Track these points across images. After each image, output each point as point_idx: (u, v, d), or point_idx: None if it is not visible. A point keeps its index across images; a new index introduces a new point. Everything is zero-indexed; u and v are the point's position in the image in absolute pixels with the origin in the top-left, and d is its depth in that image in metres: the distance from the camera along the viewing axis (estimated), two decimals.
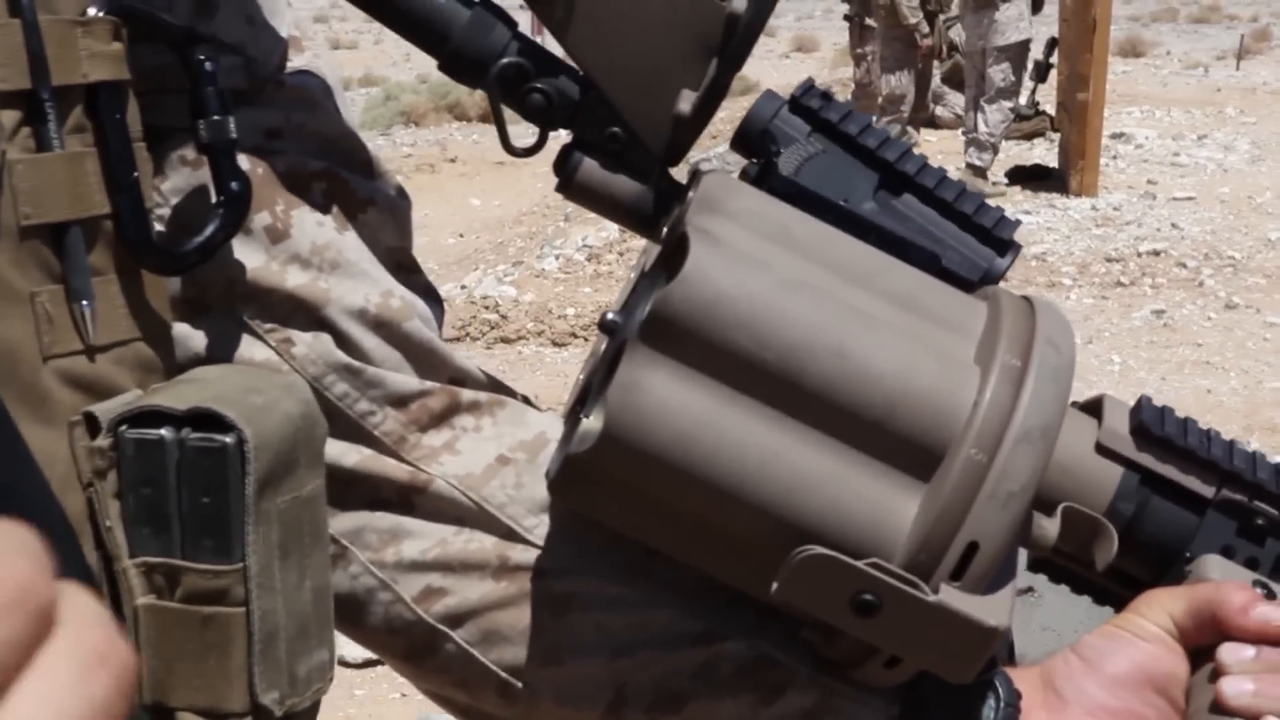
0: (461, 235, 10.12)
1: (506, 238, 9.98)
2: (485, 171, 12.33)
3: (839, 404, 0.78)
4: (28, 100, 0.78)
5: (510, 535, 0.98)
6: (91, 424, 0.80)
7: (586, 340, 7.61)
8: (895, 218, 0.89)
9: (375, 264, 0.98)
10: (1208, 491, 0.91)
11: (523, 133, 0.90)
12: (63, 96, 0.80)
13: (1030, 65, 11.61)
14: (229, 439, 0.79)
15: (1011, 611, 0.79)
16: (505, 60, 0.87)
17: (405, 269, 1.02)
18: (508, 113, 0.88)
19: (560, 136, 0.89)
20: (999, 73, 10.47)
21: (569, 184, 0.88)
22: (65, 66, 0.80)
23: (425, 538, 0.98)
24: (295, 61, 0.98)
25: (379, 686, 4.40)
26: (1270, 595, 0.89)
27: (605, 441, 0.78)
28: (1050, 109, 12.31)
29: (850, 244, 0.85)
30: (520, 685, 0.99)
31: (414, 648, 1.00)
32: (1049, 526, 0.84)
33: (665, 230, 0.87)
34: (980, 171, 10.47)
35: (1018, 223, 0.92)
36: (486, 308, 7.88)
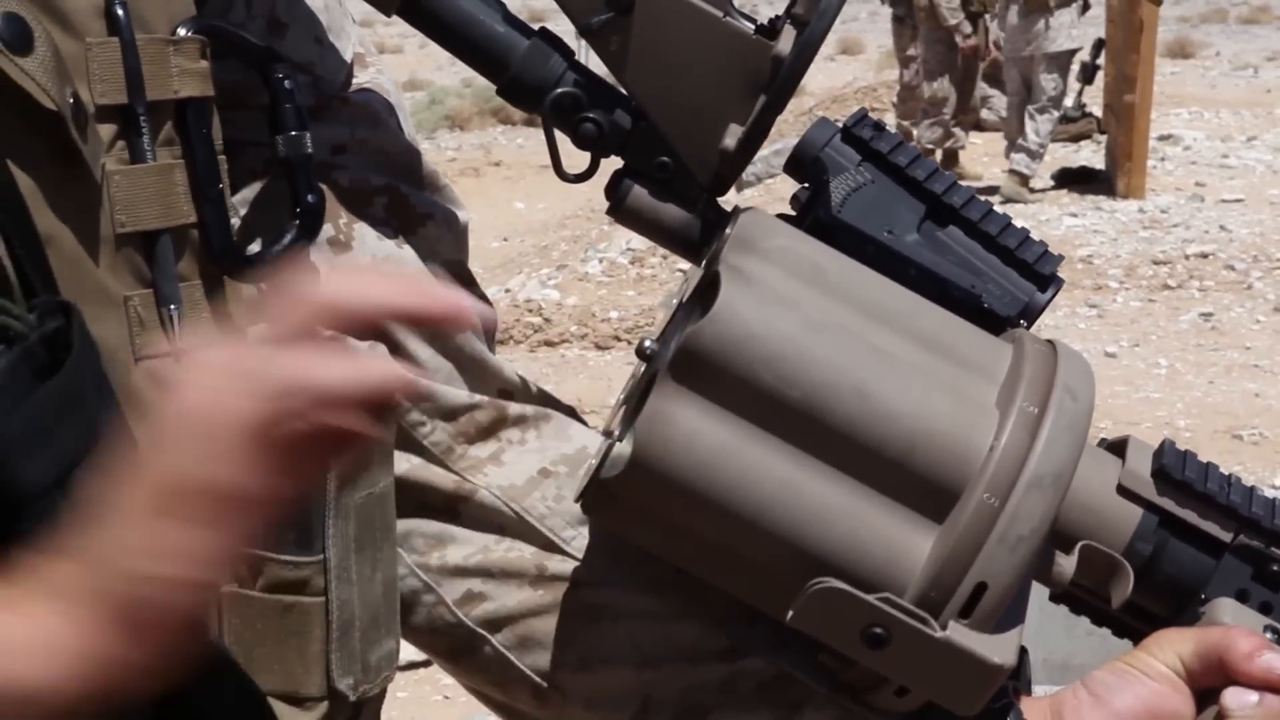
0: (505, 239, 10.16)
1: (550, 241, 10.02)
2: (529, 175, 12.38)
3: (859, 443, 0.81)
4: (124, 114, 0.83)
5: (549, 546, 1.01)
6: None
7: (629, 344, 7.62)
8: (938, 250, 0.92)
9: (432, 277, 1.02)
10: (1225, 536, 0.92)
11: (572, 154, 0.94)
12: (155, 111, 0.84)
13: (1077, 67, 11.56)
14: None
15: (1017, 650, 0.83)
16: (560, 90, 0.90)
17: (461, 281, 1.05)
18: (560, 137, 0.92)
19: (613, 161, 0.93)
20: (1050, 81, 10.42)
21: (619, 208, 0.92)
22: (158, 83, 0.84)
23: (468, 544, 1.02)
24: (360, 78, 1.02)
25: (421, 689, 4.43)
26: None
27: (632, 468, 0.82)
28: (1097, 111, 12.25)
29: (881, 284, 0.88)
30: (552, 690, 1.02)
31: (454, 648, 1.04)
32: (1065, 564, 0.88)
33: (704, 263, 0.90)
34: (1025, 179, 10.42)
35: (1060, 258, 0.95)
36: (530, 311, 7.92)
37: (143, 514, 0.65)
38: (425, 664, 4.36)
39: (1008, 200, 10.10)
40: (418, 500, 1.01)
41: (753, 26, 0.89)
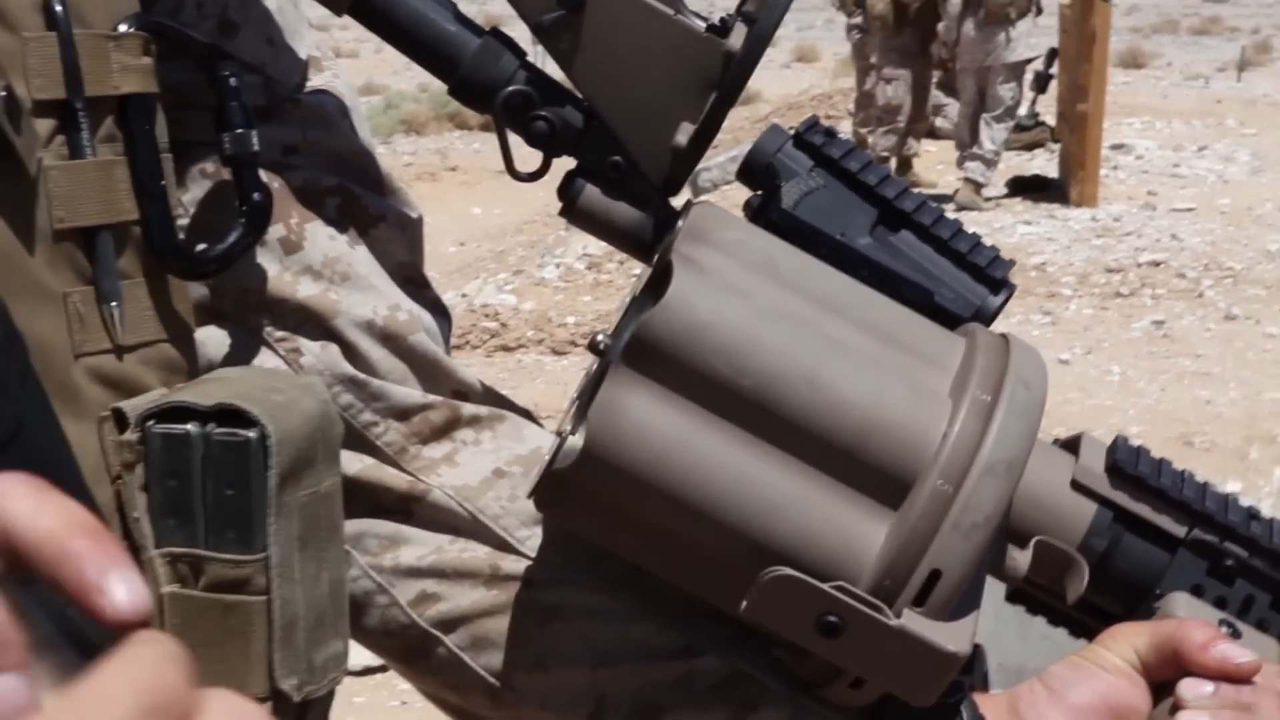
0: (462, 244, 10.15)
1: (507, 246, 10.01)
2: (486, 180, 12.36)
3: (811, 431, 0.81)
4: (62, 110, 0.82)
5: (503, 546, 1.01)
6: (120, 419, 0.83)
7: (586, 349, 7.63)
8: (891, 253, 0.92)
9: (385, 278, 1.02)
10: (1179, 531, 0.93)
11: (527, 156, 0.93)
12: (95, 106, 0.84)
13: (1030, 76, 11.63)
14: (252, 434, 0.82)
15: (973, 638, 0.82)
16: (511, 88, 0.90)
17: (414, 283, 1.05)
18: (513, 138, 0.92)
19: (565, 161, 0.92)
20: (1008, 90, 10.49)
21: (571, 208, 0.92)
22: (98, 78, 0.83)
23: (422, 545, 1.01)
24: (314, 81, 1.02)
25: (379, 694, 4.42)
26: (1235, 634, 0.91)
27: (585, 457, 0.81)
28: (1050, 120, 12.33)
29: (834, 277, 0.88)
30: (507, 690, 1.02)
31: (409, 650, 1.04)
32: (1020, 559, 0.88)
33: (656, 257, 0.89)
34: (979, 187, 10.48)
35: (1012, 263, 0.95)
36: (487, 316, 7.91)
37: None
38: (383, 669, 4.34)
39: (962, 208, 10.15)
40: (371, 501, 1.00)
41: (704, 25, 0.88)
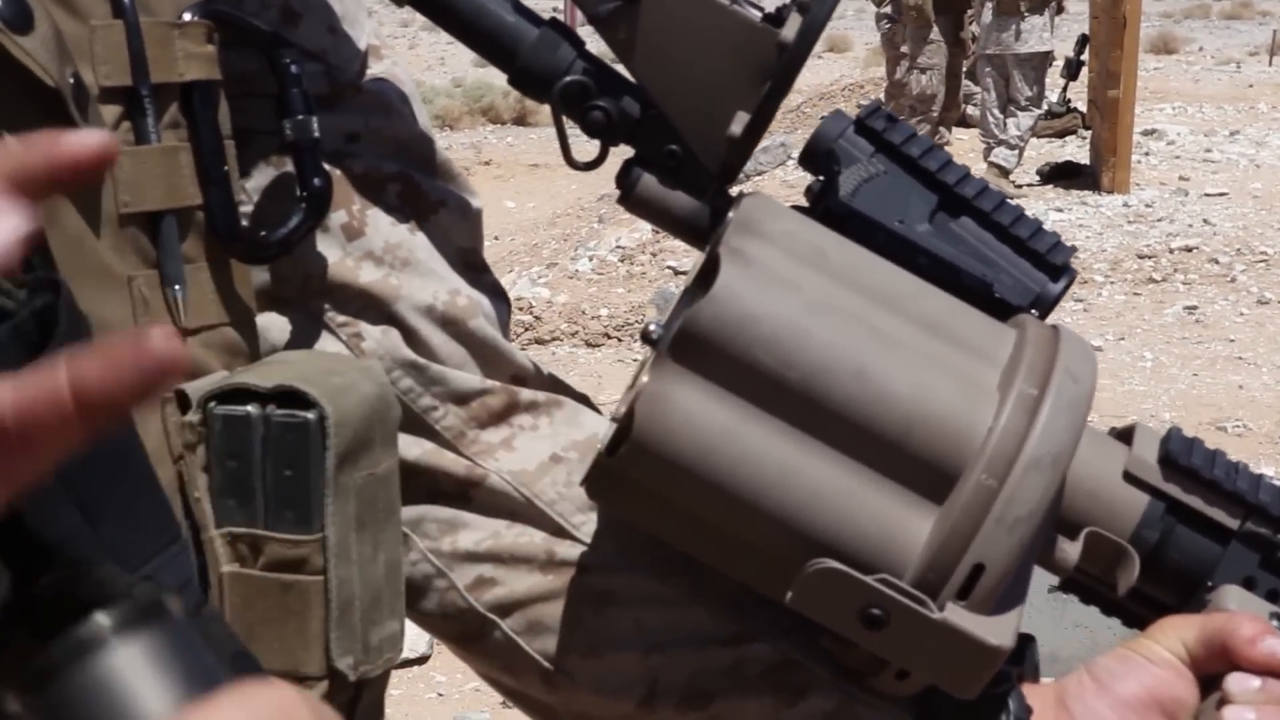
0: (496, 238, 10.17)
1: (540, 240, 10.03)
2: (519, 174, 12.39)
3: (858, 424, 0.81)
4: (128, 96, 0.84)
5: (558, 531, 1.02)
6: (182, 401, 0.85)
7: (620, 341, 7.65)
8: (950, 240, 0.91)
9: (444, 263, 1.03)
10: (1232, 523, 0.91)
11: (585, 145, 0.94)
12: (160, 93, 0.85)
13: (1061, 63, 11.61)
14: (311, 415, 0.84)
15: (1017, 632, 0.82)
16: (569, 78, 0.90)
17: (474, 268, 1.06)
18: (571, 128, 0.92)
19: (622, 150, 0.93)
20: (1026, 82, 10.48)
21: (629, 197, 0.92)
22: (163, 66, 0.85)
23: (480, 530, 1.02)
24: (374, 68, 1.03)
25: (415, 686, 4.44)
26: None
27: (632, 449, 0.82)
28: (1082, 106, 12.29)
29: (885, 268, 0.87)
30: (560, 674, 1.03)
31: (465, 633, 1.05)
32: (1070, 550, 0.87)
33: (709, 248, 0.89)
34: (1005, 172, 10.47)
35: (1073, 249, 0.94)
36: (520, 309, 7.92)
37: None
38: (419, 661, 4.38)
39: None
40: (430, 485, 1.01)
41: (759, 14, 0.88)
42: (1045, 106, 11.39)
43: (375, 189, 1.01)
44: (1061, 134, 12.44)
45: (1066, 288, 0.93)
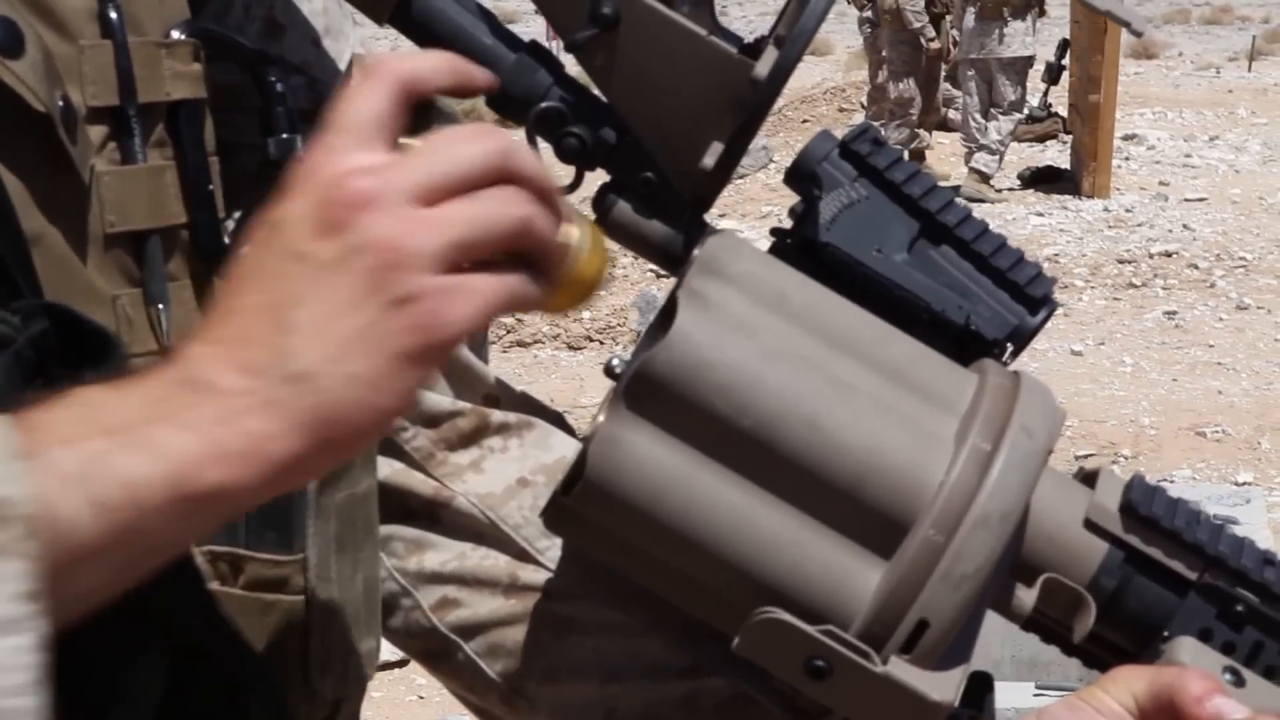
0: None
1: None
2: None
3: (809, 473, 0.80)
4: (115, 116, 0.84)
5: (522, 555, 1.03)
6: None
7: (602, 344, 7.65)
8: (929, 269, 0.91)
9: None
10: (1191, 575, 0.91)
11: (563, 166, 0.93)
12: (147, 113, 0.85)
13: (1042, 67, 11.65)
14: None
15: (960, 687, 0.82)
16: (545, 104, 0.90)
17: None
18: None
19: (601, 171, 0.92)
20: (1009, 86, 10.52)
21: (604, 221, 0.91)
22: (150, 85, 0.85)
23: (445, 551, 1.03)
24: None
25: (396, 689, 4.45)
26: (1240, 682, 0.89)
27: (584, 491, 0.82)
28: (1063, 111, 12.33)
29: (848, 311, 0.87)
30: (520, 698, 1.05)
31: (430, 651, 1.06)
32: (1025, 597, 0.87)
33: (675, 284, 0.89)
34: (985, 177, 10.51)
35: (1054, 280, 0.94)
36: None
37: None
38: (400, 664, 4.38)
39: (969, 199, 10.17)
40: (399, 505, 1.02)
41: (736, 47, 0.87)
42: (1026, 111, 11.43)
43: None
44: (1042, 138, 12.48)
45: (1046, 319, 0.92)
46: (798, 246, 0.90)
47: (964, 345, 0.90)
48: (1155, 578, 0.91)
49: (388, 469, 1.01)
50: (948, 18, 10.87)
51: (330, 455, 0.68)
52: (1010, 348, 0.92)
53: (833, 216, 0.90)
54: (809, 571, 0.81)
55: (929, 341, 0.89)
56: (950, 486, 0.80)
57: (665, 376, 0.80)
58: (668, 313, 0.84)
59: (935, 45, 10.76)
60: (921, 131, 11.17)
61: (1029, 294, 0.92)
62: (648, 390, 0.80)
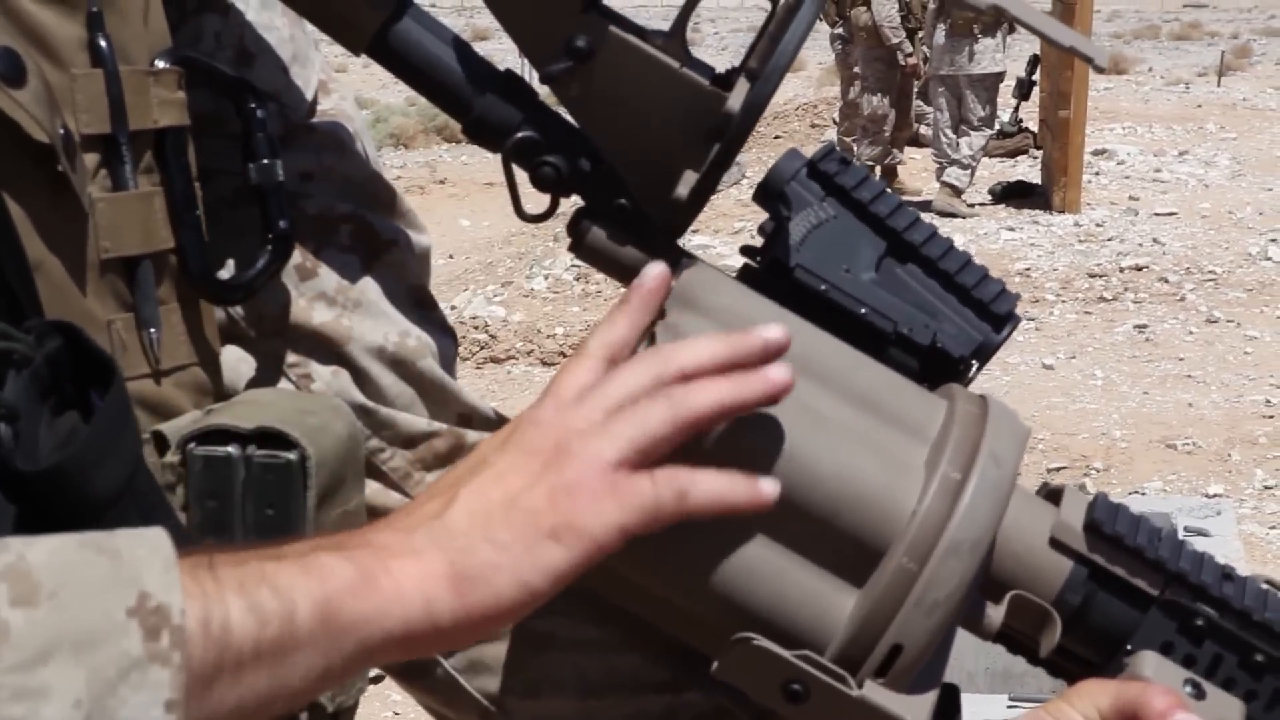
0: (451, 256, 10.17)
1: (496, 258, 10.02)
2: (474, 193, 12.37)
3: (784, 504, 0.82)
4: (106, 144, 0.85)
5: None
6: (160, 442, 0.87)
7: None
8: (896, 287, 0.93)
9: (395, 304, 1.05)
10: (1153, 590, 0.93)
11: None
12: (136, 140, 0.87)
13: (1013, 83, 11.71)
14: (293, 456, 0.86)
15: (932, 709, 0.85)
16: (521, 134, 0.91)
17: (424, 305, 1.08)
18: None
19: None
20: (979, 103, 10.58)
21: (579, 246, 0.93)
22: (139, 113, 0.87)
23: None
24: (323, 104, 1.04)
25: (371, 705, 4.44)
26: (1200, 694, 0.92)
27: None
28: (1033, 126, 12.39)
29: (819, 341, 0.89)
30: (499, 713, 1.06)
31: (409, 668, 1.08)
32: (994, 615, 0.90)
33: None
34: (957, 191, 10.55)
35: (1017, 296, 0.96)
36: (476, 328, 7.93)
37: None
38: (375, 680, 4.38)
39: (942, 214, 10.22)
40: None
41: (709, 79, 0.88)
42: (997, 126, 11.48)
43: (329, 229, 1.03)
44: (1013, 154, 12.54)
45: (1009, 335, 0.95)
46: (768, 267, 0.92)
47: (931, 363, 0.92)
48: (1118, 594, 0.93)
49: (365, 489, 1.01)
50: (919, 34, 10.91)
51: (470, 617, 0.73)
52: (975, 364, 0.94)
53: (802, 237, 0.92)
54: (786, 598, 0.84)
55: (897, 360, 0.92)
56: (922, 515, 0.83)
57: None
58: (647, 346, 0.86)
59: (913, 60, 10.80)
60: (894, 149, 11.21)
61: (993, 311, 0.94)
62: None
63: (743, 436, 0.83)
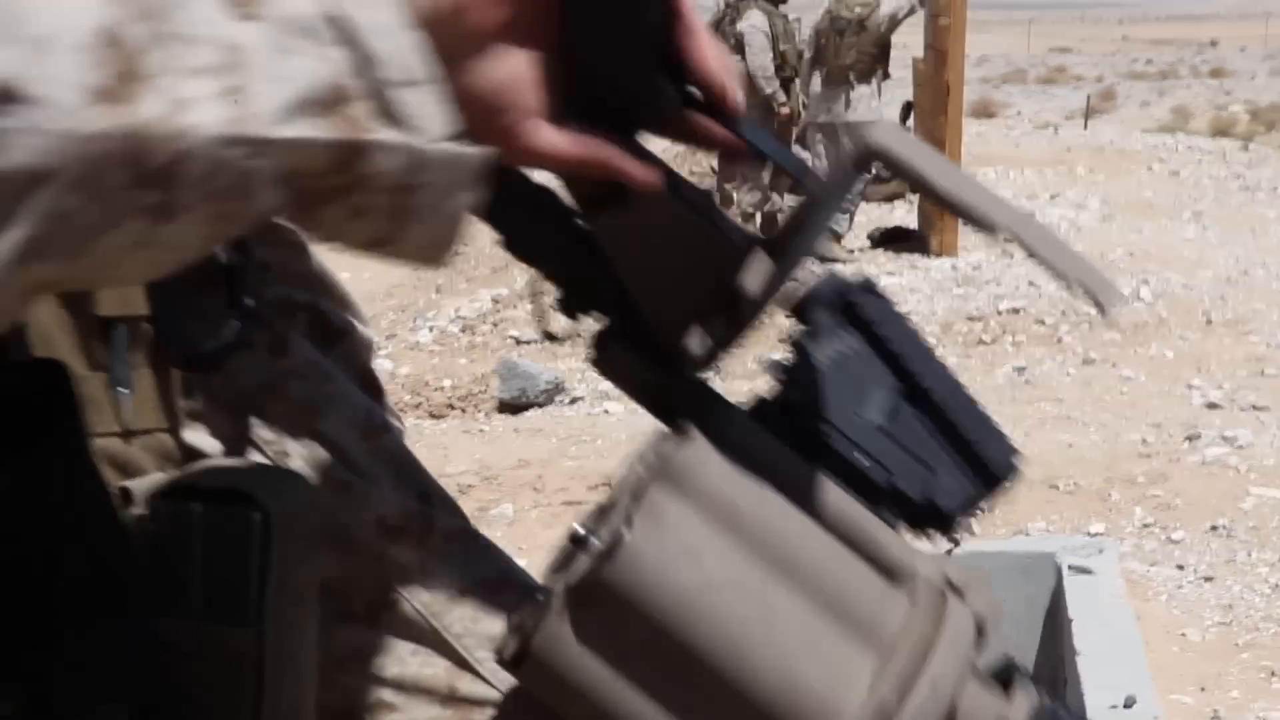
0: None
1: (378, 311, 9.96)
2: None
3: (728, 700, 0.84)
4: None
5: (462, 664, 1.05)
6: (126, 498, 0.88)
7: (464, 412, 7.63)
8: (903, 432, 0.93)
9: (353, 384, 1.08)
10: None
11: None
12: None
13: None
14: (256, 515, 0.87)
15: None
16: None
17: (374, 390, 1.11)
18: None
19: None
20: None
21: (600, 364, 0.92)
22: None
23: (385, 654, 1.05)
24: None
25: None
26: None
27: (527, 675, 0.87)
28: None
29: (796, 532, 0.89)
30: None
31: None
32: None
33: (647, 453, 0.91)
34: (837, 237, 10.70)
35: (1016, 451, 0.96)
36: None
37: None
38: None
39: (822, 259, 10.34)
40: (341, 604, 1.03)
41: (740, 234, 0.88)
42: (874, 171, 11.65)
43: (287, 315, 1.06)
44: (890, 199, 12.74)
45: (1004, 492, 0.95)
46: (782, 406, 0.92)
47: (921, 514, 0.93)
48: None
49: (334, 566, 1.02)
50: (795, 81, 11.06)
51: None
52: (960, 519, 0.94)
53: (821, 371, 0.92)
54: None
55: (888, 508, 0.92)
56: None
57: (607, 588, 0.84)
58: (635, 489, 0.87)
59: (785, 110, 10.94)
60: (774, 195, 11.33)
61: (991, 470, 0.94)
62: (585, 599, 0.85)
63: (696, 631, 0.84)
